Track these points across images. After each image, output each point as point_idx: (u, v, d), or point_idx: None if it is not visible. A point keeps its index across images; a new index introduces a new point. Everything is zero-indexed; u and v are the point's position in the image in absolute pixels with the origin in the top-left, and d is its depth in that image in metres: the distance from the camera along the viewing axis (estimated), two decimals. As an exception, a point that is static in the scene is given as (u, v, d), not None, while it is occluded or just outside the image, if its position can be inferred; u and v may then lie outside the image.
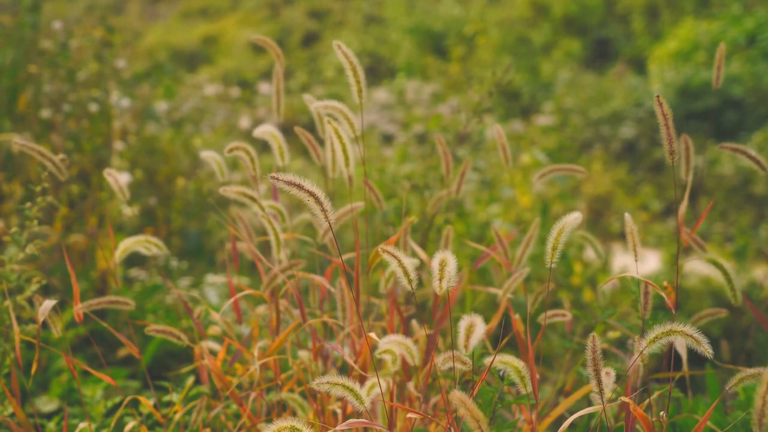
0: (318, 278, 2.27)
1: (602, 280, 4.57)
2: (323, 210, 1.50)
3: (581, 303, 4.38)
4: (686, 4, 11.26)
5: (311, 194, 1.48)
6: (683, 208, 2.10)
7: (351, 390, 1.58)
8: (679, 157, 2.09)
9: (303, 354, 2.31)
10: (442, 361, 1.83)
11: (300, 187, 1.48)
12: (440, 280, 1.57)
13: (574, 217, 1.68)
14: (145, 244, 2.28)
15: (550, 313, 2.21)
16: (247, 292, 2.28)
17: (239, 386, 2.48)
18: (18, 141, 2.21)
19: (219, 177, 2.35)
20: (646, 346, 1.52)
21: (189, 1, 17.30)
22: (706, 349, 1.47)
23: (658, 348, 1.52)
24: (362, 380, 2.11)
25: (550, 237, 1.70)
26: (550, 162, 6.02)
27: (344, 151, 1.95)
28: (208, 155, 2.38)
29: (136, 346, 2.29)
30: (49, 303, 1.99)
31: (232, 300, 2.28)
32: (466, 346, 1.59)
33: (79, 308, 2.08)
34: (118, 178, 2.33)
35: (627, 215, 1.89)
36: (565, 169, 2.35)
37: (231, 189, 2.13)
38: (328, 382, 1.56)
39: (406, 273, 1.61)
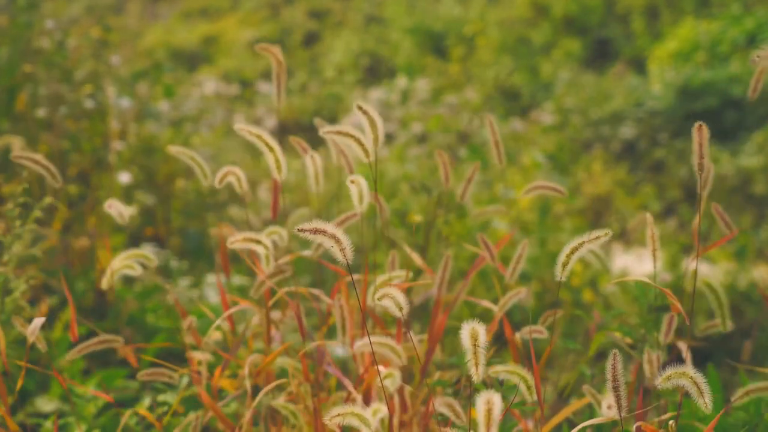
0: (307, 290, 2.31)
1: (604, 281, 4.57)
2: (342, 249, 1.61)
3: (581, 303, 4.38)
4: (686, 4, 11.26)
5: (334, 238, 1.59)
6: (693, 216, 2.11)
7: (362, 418, 1.59)
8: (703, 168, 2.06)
9: (291, 362, 2.31)
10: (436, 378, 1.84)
11: (324, 233, 1.59)
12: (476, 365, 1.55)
13: (597, 235, 1.67)
14: (135, 258, 2.26)
15: (543, 326, 2.24)
16: (242, 306, 2.28)
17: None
18: (17, 154, 2.21)
19: (202, 180, 2.32)
20: (660, 382, 1.57)
21: (189, 1, 17.30)
22: (706, 402, 1.52)
23: (670, 385, 1.56)
24: (366, 403, 2.12)
25: (561, 254, 1.69)
26: (550, 163, 6.01)
27: (360, 196, 1.95)
28: (176, 150, 2.32)
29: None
30: (38, 321, 2.00)
31: (226, 314, 2.30)
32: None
33: (76, 351, 2.10)
34: (122, 209, 2.31)
35: (648, 215, 1.90)
36: (547, 187, 2.37)
37: (238, 238, 2.13)
38: (339, 414, 1.57)
39: (398, 305, 1.64)
